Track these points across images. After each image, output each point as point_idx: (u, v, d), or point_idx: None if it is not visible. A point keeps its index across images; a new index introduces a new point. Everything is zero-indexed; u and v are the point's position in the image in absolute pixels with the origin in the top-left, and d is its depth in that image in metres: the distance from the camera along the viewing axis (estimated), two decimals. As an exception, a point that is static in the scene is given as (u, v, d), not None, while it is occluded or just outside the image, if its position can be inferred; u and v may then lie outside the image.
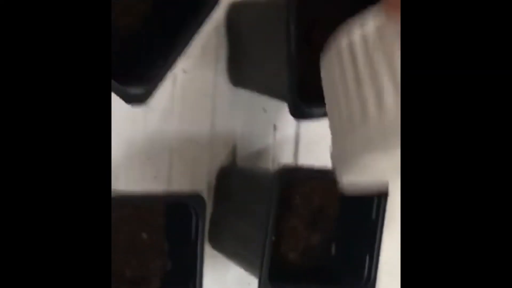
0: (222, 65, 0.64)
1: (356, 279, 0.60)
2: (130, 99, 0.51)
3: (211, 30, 0.61)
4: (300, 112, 0.55)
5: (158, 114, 0.61)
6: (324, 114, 0.55)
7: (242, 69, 0.64)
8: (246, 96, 0.65)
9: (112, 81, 0.51)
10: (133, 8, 0.56)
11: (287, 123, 0.64)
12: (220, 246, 0.62)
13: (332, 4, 0.61)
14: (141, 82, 0.52)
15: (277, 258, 0.58)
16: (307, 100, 0.56)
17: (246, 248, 0.59)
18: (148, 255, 0.57)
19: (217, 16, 0.60)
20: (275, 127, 0.66)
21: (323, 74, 0.40)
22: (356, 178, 0.41)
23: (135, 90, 0.51)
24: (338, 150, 0.38)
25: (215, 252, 0.63)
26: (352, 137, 0.36)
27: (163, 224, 0.57)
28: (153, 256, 0.57)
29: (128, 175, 0.61)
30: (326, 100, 0.40)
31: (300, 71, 0.57)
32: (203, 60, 0.63)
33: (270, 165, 0.66)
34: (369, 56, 0.34)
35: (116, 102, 0.50)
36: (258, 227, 0.56)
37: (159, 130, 0.62)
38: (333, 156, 0.39)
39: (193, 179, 0.64)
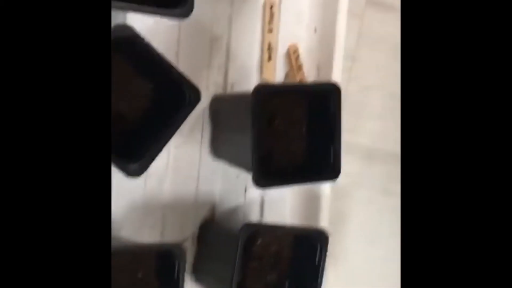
0: (206, 141, 0.63)
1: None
2: (130, 173, 0.52)
3: (198, 115, 0.61)
4: (261, 183, 0.56)
5: (155, 179, 0.61)
6: (281, 183, 0.58)
7: (221, 146, 0.64)
8: (225, 167, 0.64)
9: (115, 159, 0.51)
10: (135, 101, 0.56)
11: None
12: (201, 280, 0.62)
13: (289, 100, 0.60)
14: (137, 160, 0.52)
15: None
16: (267, 174, 0.57)
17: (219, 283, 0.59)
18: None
19: (203, 103, 0.60)
20: (245, 189, 0.66)
21: None
22: None
23: (134, 166, 0.52)
24: None
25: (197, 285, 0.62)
26: None
27: (154, 266, 0.56)
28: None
29: (130, 225, 0.60)
30: None
31: (262, 151, 0.58)
32: (191, 138, 0.63)
33: (241, 220, 0.65)
34: None
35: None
36: (228, 270, 0.55)
37: (156, 191, 0.61)
38: None
39: (181, 229, 0.63)
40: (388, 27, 0.73)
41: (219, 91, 0.64)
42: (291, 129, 0.61)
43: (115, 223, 0.59)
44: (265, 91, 0.56)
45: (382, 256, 0.78)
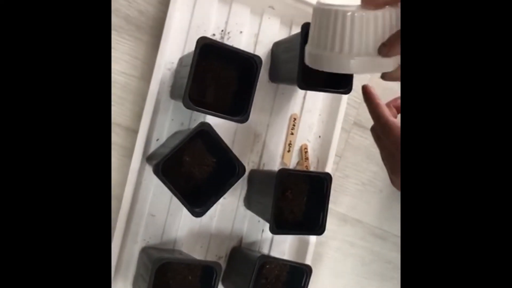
0: (242, 197, 0.74)
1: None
2: (195, 214, 0.64)
3: (240, 180, 0.67)
4: (274, 232, 0.65)
5: (208, 217, 0.72)
6: (286, 233, 0.69)
7: (251, 202, 0.73)
8: (252, 215, 0.74)
9: (187, 204, 0.63)
10: (204, 169, 0.67)
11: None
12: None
13: (298, 180, 0.71)
14: (201, 206, 0.64)
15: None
16: (278, 226, 0.66)
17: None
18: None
19: (244, 174, 0.69)
20: (263, 231, 0.76)
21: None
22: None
23: (198, 210, 0.64)
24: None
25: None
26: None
27: (200, 274, 0.67)
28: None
29: (188, 244, 0.72)
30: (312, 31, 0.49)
31: (278, 211, 0.69)
32: (234, 194, 0.73)
33: (257, 250, 0.75)
34: None
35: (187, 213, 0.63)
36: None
37: (207, 225, 0.72)
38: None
39: (219, 251, 0.74)
40: (365, 141, 0.82)
41: (255, 167, 0.75)
42: (297, 198, 0.71)
43: (179, 241, 0.71)
44: (284, 173, 0.67)
45: (344, 285, 0.84)
